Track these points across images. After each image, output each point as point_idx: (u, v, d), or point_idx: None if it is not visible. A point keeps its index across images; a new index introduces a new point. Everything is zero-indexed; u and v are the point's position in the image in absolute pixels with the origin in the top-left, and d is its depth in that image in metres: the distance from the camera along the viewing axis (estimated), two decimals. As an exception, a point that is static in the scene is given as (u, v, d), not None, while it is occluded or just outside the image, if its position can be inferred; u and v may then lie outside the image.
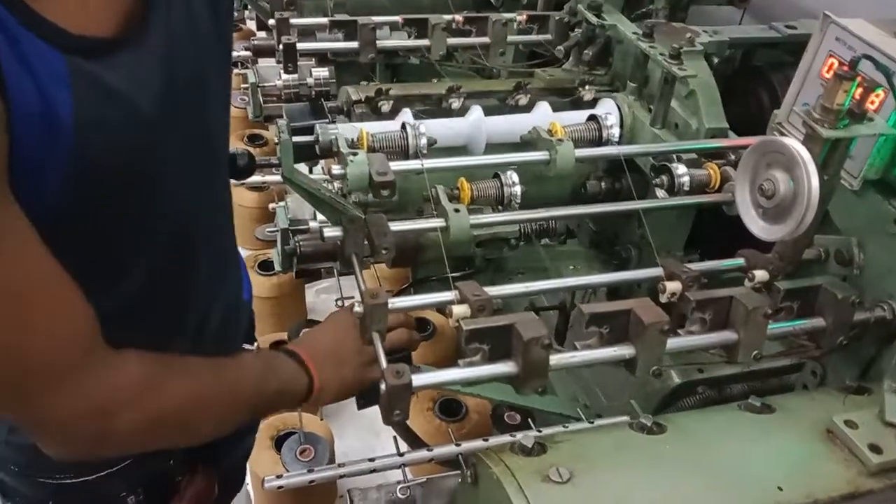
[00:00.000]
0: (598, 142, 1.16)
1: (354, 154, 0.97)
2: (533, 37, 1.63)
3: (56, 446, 0.86)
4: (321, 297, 2.97)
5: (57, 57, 0.73)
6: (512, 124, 1.34)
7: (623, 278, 1.09)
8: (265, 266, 2.73)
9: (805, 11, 2.08)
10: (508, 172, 1.08)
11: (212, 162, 1.01)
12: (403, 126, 1.07)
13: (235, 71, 3.03)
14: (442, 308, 0.93)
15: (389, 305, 0.91)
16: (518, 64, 1.63)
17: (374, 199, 1.05)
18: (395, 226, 1.02)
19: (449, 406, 2.09)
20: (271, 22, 1.53)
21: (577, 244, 1.59)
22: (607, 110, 1.37)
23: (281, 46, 1.45)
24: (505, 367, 0.85)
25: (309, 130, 1.71)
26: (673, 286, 0.97)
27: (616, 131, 1.15)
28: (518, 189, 1.09)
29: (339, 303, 1.50)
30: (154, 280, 0.93)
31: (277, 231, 1.84)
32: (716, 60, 1.44)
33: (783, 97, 1.47)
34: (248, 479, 2.39)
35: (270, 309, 2.69)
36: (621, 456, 0.84)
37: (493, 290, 0.94)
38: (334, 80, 1.61)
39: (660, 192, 1.20)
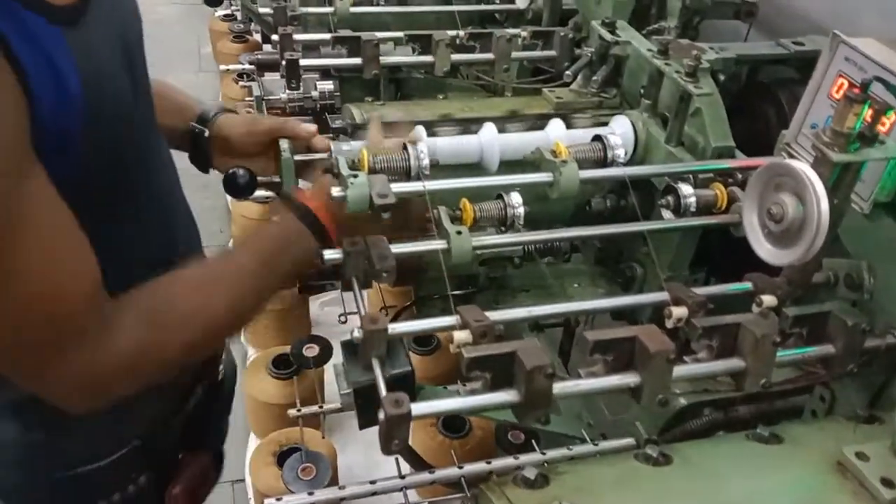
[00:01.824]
0: (603, 162, 1.14)
1: (355, 176, 0.96)
2: (538, 53, 1.62)
3: (74, 398, 0.90)
4: (325, 310, 2.96)
5: (55, 31, 0.80)
6: (526, 141, 1.32)
7: (628, 303, 1.07)
8: (269, 278, 2.72)
9: (813, 25, 2.06)
10: (512, 193, 1.07)
11: (153, 120, 1.10)
12: (405, 147, 1.05)
13: (241, 83, 3.01)
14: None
15: (389, 330, 0.90)
16: (523, 80, 1.61)
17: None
18: (397, 248, 1.00)
19: (452, 422, 2.08)
20: (275, 37, 1.52)
21: (582, 261, 1.57)
22: (621, 128, 1.36)
23: (284, 62, 1.43)
24: (507, 396, 0.83)
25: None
26: (679, 311, 0.95)
27: (621, 152, 1.14)
28: (521, 210, 1.07)
29: (343, 318, 1.49)
30: (141, 228, 1.03)
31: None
32: (722, 77, 1.42)
33: (790, 115, 1.45)
34: (249, 493, 2.38)
35: (274, 322, 2.67)
36: (626, 489, 0.82)
37: (496, 315, 0.92)
38: (339, 94, 1.60)
39: (666, 213, 1.18)
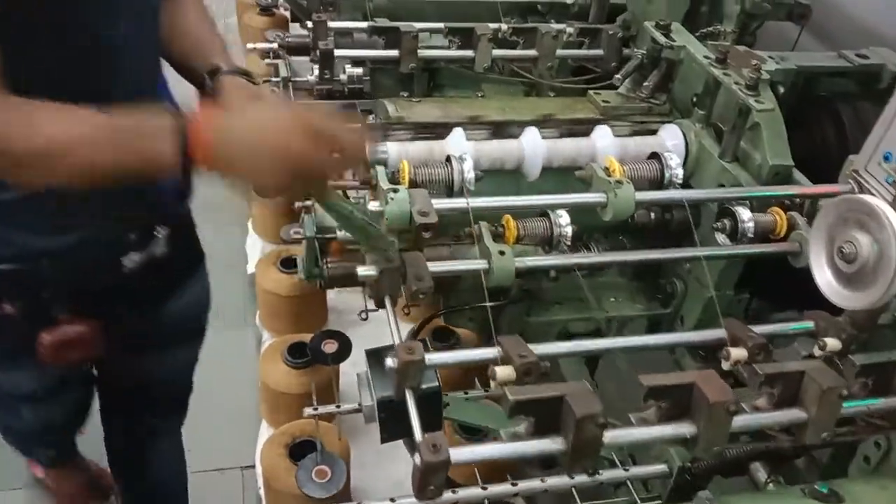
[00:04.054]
0: (660, 182, 1.07)
1: (395, 190, 0.89)
2: (584, 51, 1.53)
3: None
4: (343, 296, 2.90)
5: None
6: (571, 148, 1.25)
7: (679, 341, 0.99)
8: (287, 263, 2.66)
9: (868, 31, 1.97)
10: (559, 211, 1.00)
11: None
12: (448, 159, 0.98)
13: (266, 60, 2.93)
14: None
15: (427, 361, 0.83)
16: (566, 79, 1.53)
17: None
18: (434, 266, 0.94)
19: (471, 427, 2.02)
20: (309, 24, 1.44)
21: (618, 274, 1.50)
22: (672, 138, 1.28)
23: (318, 52, 1.36)
24: (553, 444, 0.77)
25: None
26: (738, 353, 0.88)
27: (679, 172, 1.06)
28: (569, 230, 1.00)
29: (364, 315, 1.43)
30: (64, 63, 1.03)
31: (303, 239, 1.77)
32: (781, 90, 1.34)
33: (852, 134, 1.37)
34: (259, 483, 2.34)
35: (291, 307, 2.62)
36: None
37: (540, 349, 0.85)
38: (368, 79, 1.53)
39: (720, 237, 1.11)
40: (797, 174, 1.25)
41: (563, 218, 1.00)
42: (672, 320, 1.44)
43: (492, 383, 0.81)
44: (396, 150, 1.21)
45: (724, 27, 1.48)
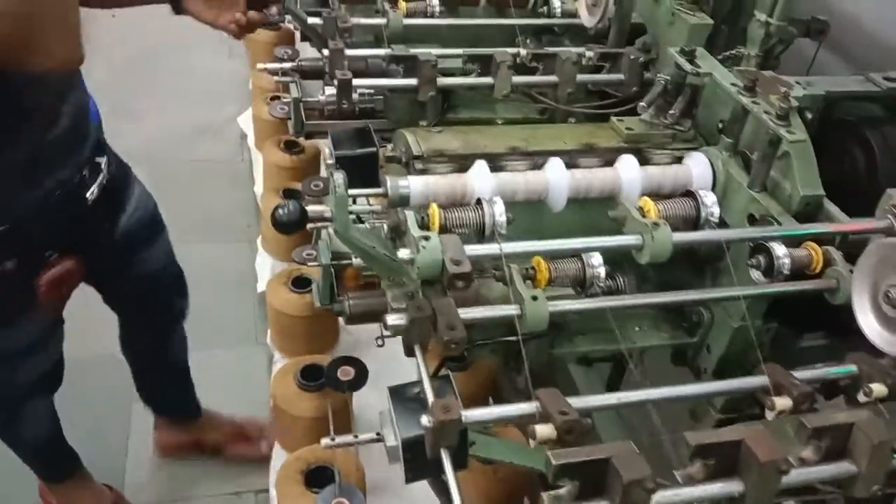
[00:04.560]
0: (695, 221, 1.04)
1: (426, 238, 0.86)
2: (604, 76, 1.50)
3: None
4: (354, 316, 2.87)
5: None
6: (593, 179, 1.23)
7: (721, 389, 0.96)
8: (299, 283, 2.63)
9: (886, 46, 1.94)
10: (593, 254, 0.97)
11: None
12: (479, 202, 0.96)
13: (275, 77, 2.90)
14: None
15: (463, 419, 0.81)
16: (587, 104, 1.50)
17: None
18: (466, 313, 0.91)
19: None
20: (325, 52, 1.42)
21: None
22: (699, 166, 1.26)
23: (336, 82, 1.33)
24: (598, 509, 0.74)
25: (356, 159, 1.60)
26: (782, 403, 0.85)
27: (716, 210, 1.03)
28: (601, 270, 0.98)
29: (380, 342, 1.41)
30: None
31: (319, 266, 1.74)
32: (809, 116, 1.31)
33: (881, 160, 1.34)
34: (273, 509, 2.31)
35: (303, 328, 2.59)
36: None
37: (579, 402, 0.83)
38: (381, 97, 1.51)
39: (754, 273, 1.08)
40: (828, 204, 1.22)
41: (596, 258, 0.97)
42: (698, 349, 1.41)
43: (531, 442, 0.79)
44: (418, 184, 1.19)
45: (747, 51, 1.45)
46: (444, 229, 0.94)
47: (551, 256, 0.98)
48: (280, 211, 1.16)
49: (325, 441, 1.53)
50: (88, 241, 1.58)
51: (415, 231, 0.87)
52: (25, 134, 1.32)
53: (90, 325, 2.42)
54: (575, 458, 0.74)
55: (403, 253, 0.86)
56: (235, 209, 3.39)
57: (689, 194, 1.07)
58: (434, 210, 0.94)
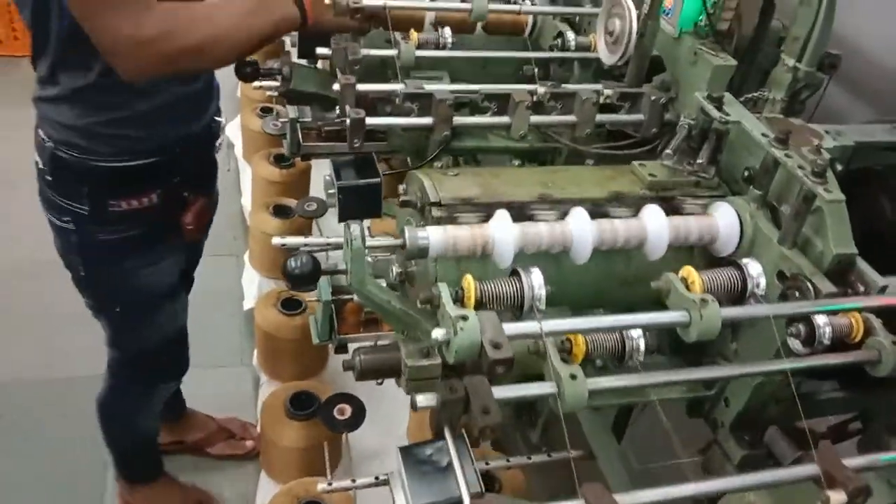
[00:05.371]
0: (741, 295, 0.99)
1: (464, 318, 0.80)
2: (623, 116, 1.45)
3: (124, 60, 1.36)
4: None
5: None
6: (618, 231, 1.18)
7: (772, 480, 0.91)
8: (289, 304, 2.56)
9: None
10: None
11: None
12: (516, 273, 0.90)
13: (267, 92, 2.82)
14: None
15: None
16: (605, 145, 1.45)
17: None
18: (501, 392, 0.85)
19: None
20: (335, 87, 1.35)
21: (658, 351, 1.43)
22: (725, 217, 1.21)
23: (348, 121, 1.27)
24: None
25: (359, 189, 1.54)
26: (837, 498, 0.81)
27: (762, 282, 0.98)
28: (641, 342, 0.92)
29: (379, 381, 1.35)
30: None
31: (318, 302, 1.67)
32: (839, 168, 1.27)
33: (909, 210, 1.30)
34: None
35: (292, 352, 2.52)
36: None
37: (625, 499, 0.77)
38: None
39: (793, 342, 1.04)
40: (860, 262, 1.18)
41: (636, 330, 0.91)
42: (715, 402, 1.37)
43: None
44: (437, 235, 1.13)
45: (772, 95, 1.40)
46: (479, 304, 0.88)
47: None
48: (292, 264, 1.10)
49: (321, 486, 1.47)
50: (210, 187, 1.89)
51: (451, 310, 0.81)
52: (174, 85, 1.61)
53: (65, 347, 2.33)
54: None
55: (438, 333, 0.80)
56: (221, 220, 3.29)
57: (733, 264, 1.02)
58: (469, 284, 0.88)
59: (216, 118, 1.84)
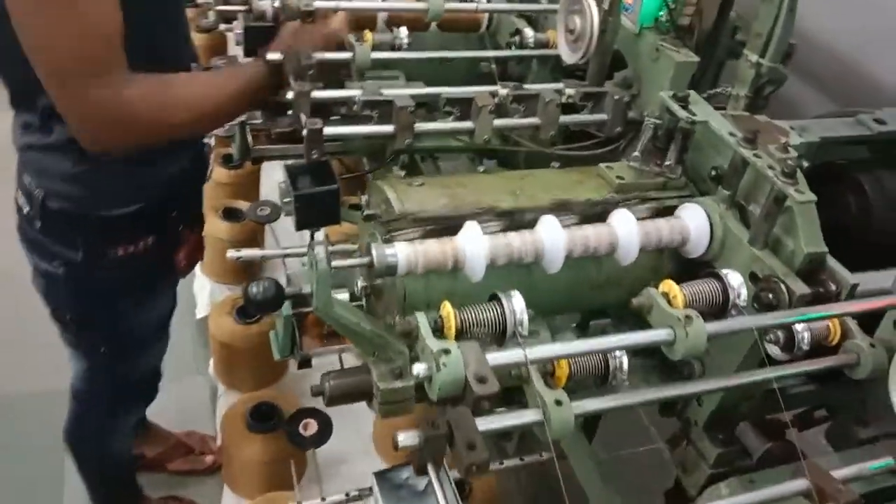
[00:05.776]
0: (722, 308, 0.97)
1: (446, 352, 0.76)
2: (587, 116, 1.42)
3: (87, 131, 1.26)
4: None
5: None
6: (589, 238, 1.15)
7: (761, 499, 0.89)
8: (244, 312, 2.48)
9: (846, 63, 1.93)
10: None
11: None
12: (496, 298, 0.86)
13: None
14: None
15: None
16: (569, 146, 1.42)
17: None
18: (484, 423, 0.81)
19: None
20: (290, 95, 1.29)
21: (631, 354, 1.41)
22: (694, 219, 1.19)
23: (305, 132, 1.21)
24: None
25: (316, 196, 1.48)
26: (830, 514, 0.79)
27: (743, 292, 0.96)
28: (625, 360, 0.89)
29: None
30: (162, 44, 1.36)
31: (280, 317, 1.61)
32: (805, 164, 1.26)
33: (875, 204, 1.31)
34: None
35: (250, 361, 2.44)
36: None
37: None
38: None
39: (772, 349, 1.02)
40: (831, 261, 1.17)
41: (619, 350, 0.89)
42: (687, 401, 1.36)
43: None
44: (405, 252, 1.08)
45: (736, 91, 1.39)
46: (459, 332, 0.84)
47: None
48: (253, 290, 1.04)
49: (290, 505, 1.42)
50: (202, 219, 1.79)
51: (432, 343, 0.77)
52: None
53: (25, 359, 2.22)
54: None
55: (420, 369, 0.76)
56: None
57: (714, 276, 1.00)
58: (449, 313, 0.83)
59: (205, 141, 1.77)
